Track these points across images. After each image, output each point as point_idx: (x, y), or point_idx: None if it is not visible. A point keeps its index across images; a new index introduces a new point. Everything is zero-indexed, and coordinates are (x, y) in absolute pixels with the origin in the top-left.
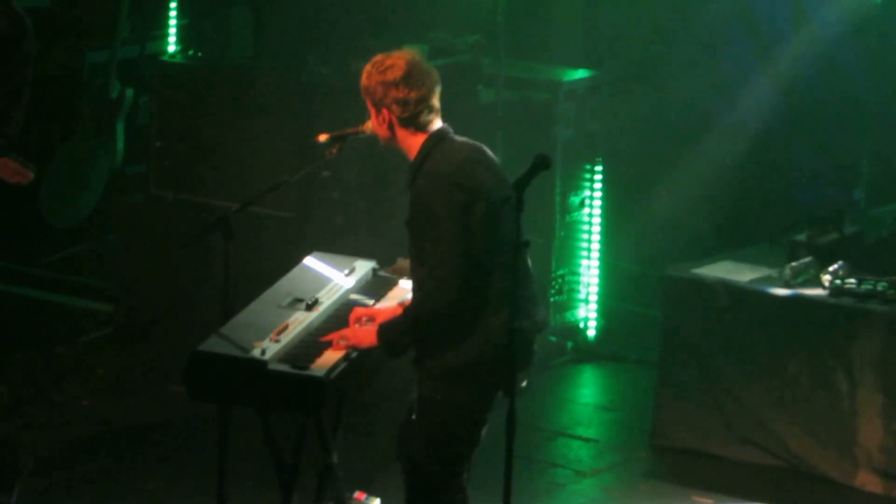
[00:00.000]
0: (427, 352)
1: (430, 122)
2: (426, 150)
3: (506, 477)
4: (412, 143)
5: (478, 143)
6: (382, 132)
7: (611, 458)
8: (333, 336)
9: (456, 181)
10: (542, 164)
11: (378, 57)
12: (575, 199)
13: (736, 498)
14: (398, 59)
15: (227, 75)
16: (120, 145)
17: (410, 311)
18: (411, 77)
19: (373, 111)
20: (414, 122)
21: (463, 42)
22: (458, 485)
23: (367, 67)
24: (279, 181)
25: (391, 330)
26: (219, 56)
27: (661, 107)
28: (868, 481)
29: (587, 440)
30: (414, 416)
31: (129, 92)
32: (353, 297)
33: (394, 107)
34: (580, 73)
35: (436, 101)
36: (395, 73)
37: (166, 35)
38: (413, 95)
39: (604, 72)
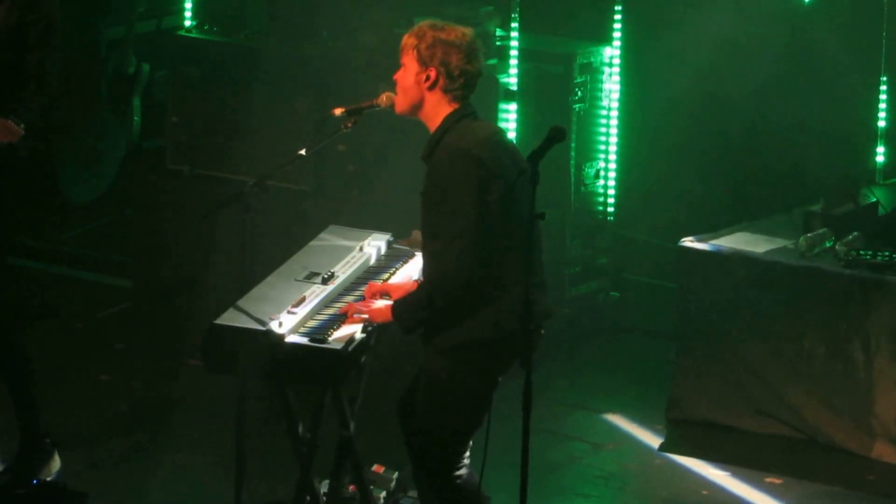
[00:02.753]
0: (435, 328)
1: (463, 97)
2: (448, 125)
3: (523, 450)
4: (437, 113)
5: (497, 126)
6: (415, 92)
7: (627, 430)
8: (349, 308)
9: (476, 157)
10: (557, 136)
11: (433, 21)
12: (590, 171)
13: (752, 469)
14: (466, 30)
15: (243, 50)
16: (136, 121)
17: (425, 287)
18: (474, 49)
19: (415, 68)
20: (452, 90)
21: (475, 14)
22: (458, 462)
23: (423, 27)
24: (295, 155)
25: (406, 307)
26: (234, 31)
27: (674, 78)
28: (885, 452)
29: (603, 413)
30: (418, 393)
31: (146, 67)
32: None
33: (444, 69)
34: (594, 46)
35: (477, 83)
36: (463, 40)
37: (182, 10)
38: (468, 67)
39: (617, 44)
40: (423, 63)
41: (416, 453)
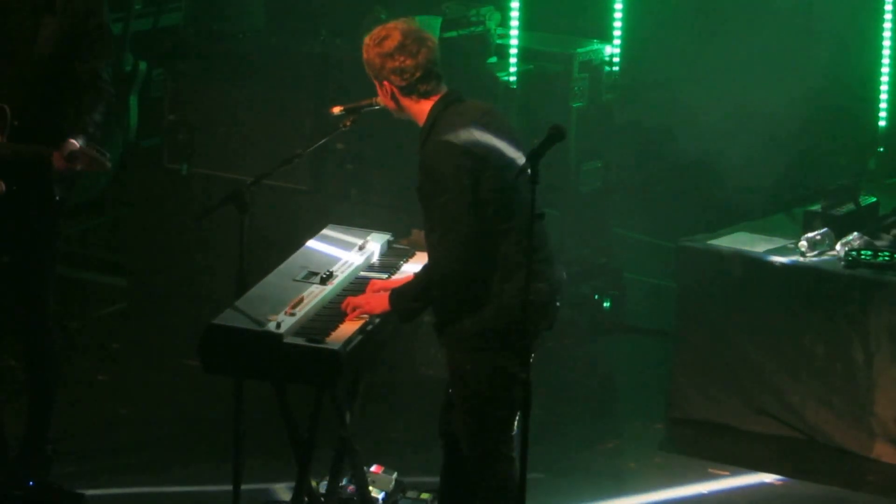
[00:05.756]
0: (446, 318)
1: (432, 89)
2: (434, 116)
3: (522, 449)
4: (419, 111)
5: (488, 105)
6: (391, 105)
7: (626, 429)
8: (347, 302)
9: (464, 147)
10: (556, 135)
11: (375, 30)
12: (589, 170)
13: (752, 469)
14: (392, 30)
15: (242, 49)
16: (133, 119)
17: (422, 276)
18: (405, 46)
19: (376, 84)
20: (415, 90)
21: (476, 13)
22: (506, 454)
23: (366, 41)
24: (293, 154)
25: (403, 295)
26: (232, 29)
27: (673, 78)
28: (884, 452)
29: (602, 412)
30: (450, 391)
31: (143, 65)
32: (363, 274)
33: (392, 77)
34: (594, 45)
35: (436, 68)
36: (391, 44)
37: (180, 8)
38: (409, 63)
39: (617, 42)
40: (378, 79)
41: (462, 454)
